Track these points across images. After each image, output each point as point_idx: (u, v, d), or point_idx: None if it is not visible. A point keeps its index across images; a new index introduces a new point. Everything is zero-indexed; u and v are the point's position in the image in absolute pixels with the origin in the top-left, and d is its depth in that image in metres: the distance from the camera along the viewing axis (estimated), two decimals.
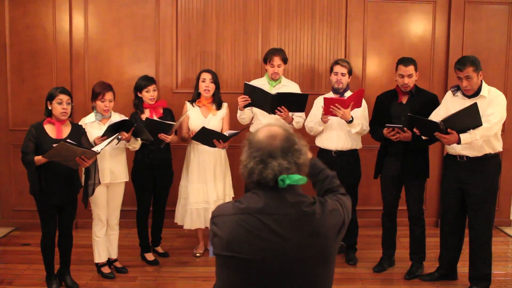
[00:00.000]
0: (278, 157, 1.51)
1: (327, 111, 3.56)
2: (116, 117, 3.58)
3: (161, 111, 3.84)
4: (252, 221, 1.50)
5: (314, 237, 1.52)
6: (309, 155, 1.71)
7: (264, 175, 1.51)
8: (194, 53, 4.66)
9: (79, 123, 3.46)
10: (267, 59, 3.89)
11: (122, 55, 4.62)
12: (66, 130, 3.25)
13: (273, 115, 3.70)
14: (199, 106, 3.90)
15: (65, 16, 4.54)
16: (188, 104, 3.93)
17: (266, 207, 1.52)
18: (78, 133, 3.30)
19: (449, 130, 3.11)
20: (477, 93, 3.24)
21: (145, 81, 3.77)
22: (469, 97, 3.27)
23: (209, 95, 3.86)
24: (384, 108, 3.68)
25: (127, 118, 3.44)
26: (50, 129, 3.21)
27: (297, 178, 1.51)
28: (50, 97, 3.19)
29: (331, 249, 1.56)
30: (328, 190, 1.77)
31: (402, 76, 3.53)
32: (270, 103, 3.59)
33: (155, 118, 3.71)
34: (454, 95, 3.37)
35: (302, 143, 1.58)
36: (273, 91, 3.82)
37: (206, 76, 3.84)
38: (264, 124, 3.52)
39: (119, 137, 3.41)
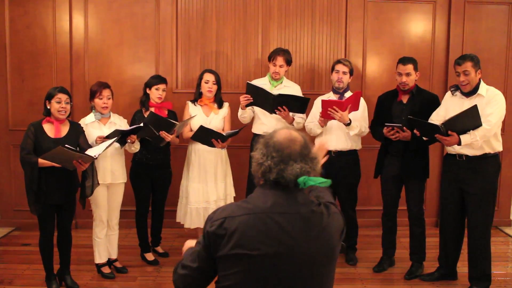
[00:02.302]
0: (298, 160, 1.54)
1: (325, 114, 3.57)
2: (116, 118, 3.59)
3: (166, 112, 3.84)
4: (263, 220, 1.51)
5: (323, 237, 1.54)
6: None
7: (284, 175, 1.53)
8: (194, 53, 4.66)
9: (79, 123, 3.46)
10: (271, 57, 3.90)
11: (122, 55, 4.62)
12: (65, 129, 3.25)
13: (274, 114, 3.71)
14: (201, 106, 3.90)
15: (65, 16, 4.54)
16: (190, 104, 3.93)
17: (276, 206, 1.53)
18: (77, 132, 3.30)
19: (449, 132, 3.13)
20: (474, 91, 3.25)
21: (157, 79, 3.79)
22: (467, 95, 3.28)
23: (211, 95, 3.87)
24: (385, 108, 3.69)
25: (139, 125, 3.42)
26: (48, 128, 3.21)
27: (321, 181, 1.53)
28: (49, 97, 3.20)
29: (335, 250, 1.59)
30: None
31: (400, 74, 3.55)
32: (271, 103, 3.59)
33: None
34: (453, 94, 3.39)
35: (316, 153, 1.61)
36: (274, 91, 3.82)
37: (210, 78, 3.84)
38: (273, 125, 3.53)
39: (128, 140, 3.42)
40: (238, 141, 4.21)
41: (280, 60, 3.85)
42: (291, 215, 1.52)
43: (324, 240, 1.54)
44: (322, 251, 1.54)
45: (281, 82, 3.95)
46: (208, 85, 3.83)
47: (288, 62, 3.91)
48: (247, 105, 3.72)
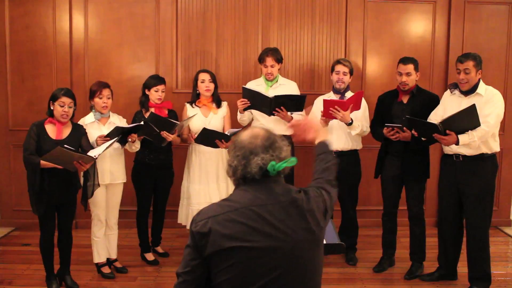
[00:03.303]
0: (259, 153, 1.60)
1: (327, 113, 3.56)
2: (115, 118, 3.59)
3: (166, 112, 3.84)
4: (246, 214, 1.55)
5: (306, 221, 1.59)
6: (324, 135, 1.91)
7: (248, 170, 1.59)
8: (194, 53, 4.66)
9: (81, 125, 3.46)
10: (260, 59, 3.90)
11: (122, 55, 4.62)
12: (66, 131, 3.24)
13: (272, 116, 3.71)
14: (199, 107, 3.90)
15: (65, 16, 4.53)
16: (188, 106, 3.92)
17: (256, 199, 1.58)
18: (79, 134, 3.29)
19: (447, 131, 3.12)
20: (473, 90, 3.25)
21: (156, 80, 3.78)
22: (466, 94, 3.28)
23: (209, 94, 3.86)
24: (385, 108, 3.68)
25: (140, 124, 3.43)
26: (50, 129, 3.20)
27: (287, 161, 1.60)
28: (53, 98, 3.18)
29: (320, 233, 1.64)
30: (316, 179, 1.82)
31: (401, 74, 3.55)
32: (269, 105, 3.59)
33: None
34: (451, 93, 3.39)
35: (283, 143, 1.67)
36: (270, 90, 3.82)
37: (205, 77, 3.84)
38: (270, 125, 3.53)
39: (129, 139, 3.42)
40: None
41: (269, 61, 3.84)
42: (272, 206, 1.58)
43: (308, 225, 1.59)
44: (307, 236, 1.59)
45: (277, 81, 3.94)
46: (205, 84, 3.82)
47: (279, 60, 3.89)
48: (245, 109, 3.72)
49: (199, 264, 1.58)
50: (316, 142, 1.94)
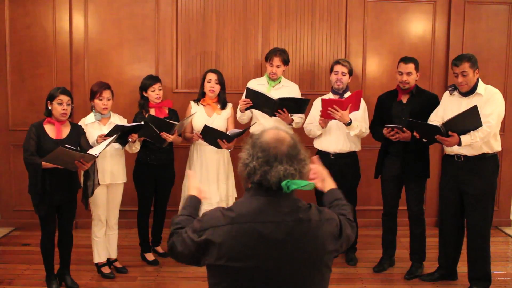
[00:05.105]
0: (283, 162, 1.50)
1: (325, 113, 3.55)
2: (116, 118, 3.59)
3: (167, 111, 3.84)
4: (246, 231, 1.48)
5: (310, 245, 1.51)
6: (332, 184, 1.83)
7: (267, 177, 1.49)
8: (194, 53, 4.66)
9: (79, 124, 3.46)
10: (267, 57, 3.90)
11: (122, 55, 4.62)
12: (66, 131, 3.25)
13: (273, 117, 3.71)
14: (204, 105, 3.90)
15: (65, 16, 4.54)
16: (192, 103, 3.92)
17: (260, 214, 1.50)
18: (78, 133, 3.30)
19: (449, 132, 3.12)
20: (472, 90, 3.25)
21: (150, 80, 3.79)
22: (465, 95, 3.28)
23: (213, 95, 3.86)
24: (385, 108, 3.68)
25: (140, 123, 3.44)
26: (50, 129, 3.21)
27: (304, 184, 1.49)
28: (51, 97, 3.19)
29: (326, 258, 1.56)
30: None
31: (401, 74, 3.54)
32: (272, 107, 3.59)
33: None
34: (451, 94, 3.39)
35: (306, 154, 1.57)
36: (272, 91, 3.82)
37: (212, 77, 3.84)
38: (270, 126, 3.54)
39: (129, 139, 3.43)
40: (240, 142, 4.20)
41: (276, 61, 3.84)
42: (276, 224, 1.49)
43: (312, 248, 1.51)
44: (311, 259, 1.52)
45: (279, 82, 3.94)
46: (210, 84, 3.82)
47: (285, 62, 3.89)
48: (246, 108, 3.72)
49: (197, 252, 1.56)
50: (325, 191, 1.88)
